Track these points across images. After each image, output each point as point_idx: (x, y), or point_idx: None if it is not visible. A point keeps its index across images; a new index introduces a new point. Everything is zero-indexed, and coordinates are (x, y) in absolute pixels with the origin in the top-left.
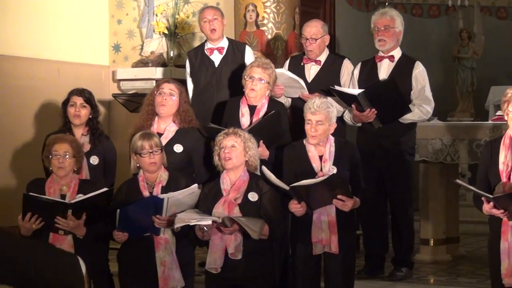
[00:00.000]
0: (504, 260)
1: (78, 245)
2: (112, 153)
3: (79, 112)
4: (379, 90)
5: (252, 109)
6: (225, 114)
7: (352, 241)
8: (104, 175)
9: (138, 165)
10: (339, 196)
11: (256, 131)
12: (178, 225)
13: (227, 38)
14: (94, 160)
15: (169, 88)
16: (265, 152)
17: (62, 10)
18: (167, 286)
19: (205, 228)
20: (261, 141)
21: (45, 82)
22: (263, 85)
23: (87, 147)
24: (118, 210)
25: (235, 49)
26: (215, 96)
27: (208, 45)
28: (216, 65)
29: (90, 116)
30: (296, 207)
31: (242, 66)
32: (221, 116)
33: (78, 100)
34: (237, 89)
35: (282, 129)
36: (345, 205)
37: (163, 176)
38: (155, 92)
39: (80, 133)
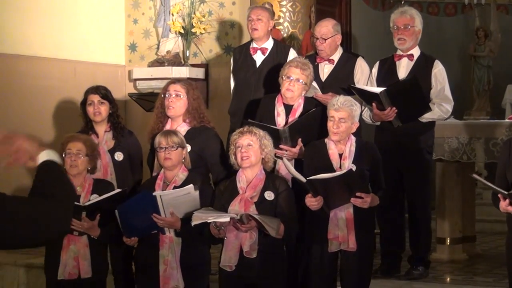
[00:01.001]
0: None
1: (93, 245)
2: (137, 148)
3: (99, 109)
4: (401, 88)
5: (288, 108)
6: (259, 111)
7: (370, 240)
8: (131, 171)
9: (159, 163)
10: (357, 194)
11: (296, 128)
12: (195, 222)
13: (273, 39)
14: (119, 156)
15: (175, 89)
16: (301, 151)
17: (79, 10)
18: (167, 285)
19: (220, 225)
20: (299, 140)
21: (61, 81)
22: (300, 85)
23: (110, 144)
24: (116, 211)
25: (279, 51)
26: (253, 95)
27: (253, 44)
28: (257, 65)
29: (110, 112)
30: (311, 201)
31: None
32: (255, 113)
33: (95, 97)
34: (275, 90)
35: (318, 127)
36: (364, 202)
37: (179, 176)
38: (162, 95)
39: (103, 130)
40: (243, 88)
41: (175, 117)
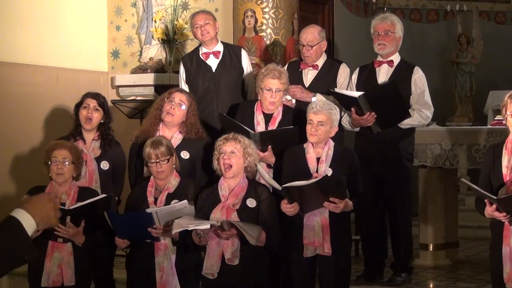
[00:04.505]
0: (507, 264)
1: (78, 253)
2: (122, 160)
3: (91, 115)
4: (380, 92)
5: (267, 117)
6: (238, 118)
7: (346, 244)
8: (112, 182)
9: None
10: (330, 198)
11: (268, 137)
12: (176, 230)
13: (221, 42)
14: (105, 165)
15: (180, 98)
16: (271, 158)
17: (61, 17)
18: None
19: (201, 233)
20: (270, 146)
21: (44, 88)
22: (281, 94)
23: (97, 152)
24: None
25: (231, 53)
26: (215, 101)
27: (203, 50)
28: (214, 69)
29: (102, 121)
30: (287, 207)
31: (240, 71)
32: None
33: (92, 102)
34: (236, 93)
35: (294, 144)
36: (336, 206)
37: (172, 182)
38: (165, 99)
39: (91, 138)
40: (205, 95)
41: (171, 125)
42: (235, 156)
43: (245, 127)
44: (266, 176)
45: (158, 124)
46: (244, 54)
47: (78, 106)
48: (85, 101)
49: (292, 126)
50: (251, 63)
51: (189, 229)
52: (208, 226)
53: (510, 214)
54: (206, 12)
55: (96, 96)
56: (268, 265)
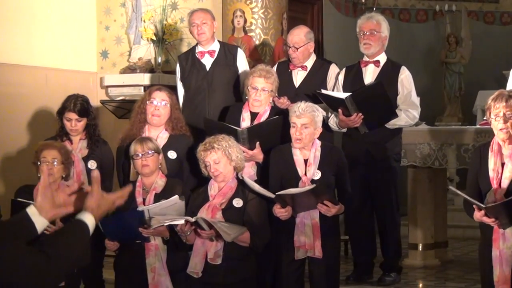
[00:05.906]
0: (496, 267)
1: None
2: (109, 159)
3: (75, 127)
4: (367, 93)
5: (254, 115)
6: (227, 119)
7: (336, 246)
8: (101, 181)
9: (136, 171)
10: (325, 202)
11: (256, 132)
12: (154, 225)
13: (218, 41)
14: (92, 164)
15: (161, 97)
16: (260, 155)
17: (50, 17)
18: None
19: (180, 230)
20: (258, 143)
21: (32, 89)
22: (267, 93)
23: (84, 152)
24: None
25: (227, 52)
26: (207, 100)
27: (199, 48)
28: (208, 68)
29: (88, 123)
30: (281, 211)
31: (234, 70)
32: (223, 120)
33: (73, 116)
34: (228, 92)
35: (280, 136)
36: (328, 210)
37: (158, 182)
38: (147, 101)
39: (78, 138)
40: (197, 94)
41: (159, 125)
42: (220, 164)
43: (230, 125)
44: (256, 186)
45: (144, 126)
46: (240, 53)
47: (60, 113)
48: (66, 114)
49: (276, 117)
50: None
51: (165, 224)
52: (182, 222)
53: (499, 219)
54: (204, 11)
55: (75, 107)
56: (254, 264)
